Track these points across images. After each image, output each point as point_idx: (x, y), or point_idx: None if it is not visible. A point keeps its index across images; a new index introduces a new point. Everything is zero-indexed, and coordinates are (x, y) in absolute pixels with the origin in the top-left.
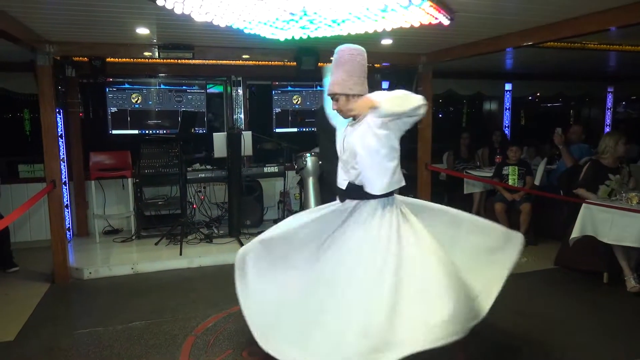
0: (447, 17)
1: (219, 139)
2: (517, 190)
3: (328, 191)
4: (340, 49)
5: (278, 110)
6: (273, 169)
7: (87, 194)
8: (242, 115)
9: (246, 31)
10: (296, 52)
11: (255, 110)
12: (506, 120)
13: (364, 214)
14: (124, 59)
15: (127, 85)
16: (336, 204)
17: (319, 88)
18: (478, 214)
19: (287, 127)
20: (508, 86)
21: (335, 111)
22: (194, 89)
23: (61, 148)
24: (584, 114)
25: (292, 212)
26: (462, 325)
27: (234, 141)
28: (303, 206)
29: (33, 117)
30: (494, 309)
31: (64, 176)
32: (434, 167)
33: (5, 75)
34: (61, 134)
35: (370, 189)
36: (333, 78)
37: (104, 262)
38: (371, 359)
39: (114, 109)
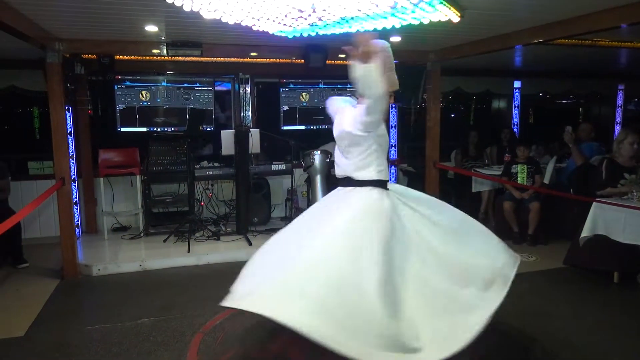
0: (456, 14)
1: (227, 137)
2: (526, 188)
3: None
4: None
5: (286, 107)
6: (281, 166)
7: (95, 191)
8: (249, 113)
9: (254, 28)
10: (304, 49)
11: (263, 107)
12: (515, 118)
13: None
14: (133, 57)
15: (135, 83)
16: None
17: (323, 86)
18: (486, 212)
19: (295, 125)
20: (517, 84)
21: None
22: (202, 87)
23: (70, 145)
24: (594, 111)
25: (299, 210)
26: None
27: (241, 139)
28: (310, 204)
29: (42, 114)
30: (503, 308)
31: (73, 173)
32: (442, 165)
33: (15, 72)
34: (70, 131)
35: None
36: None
37: (113, 259)
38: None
39: (122, 107)
